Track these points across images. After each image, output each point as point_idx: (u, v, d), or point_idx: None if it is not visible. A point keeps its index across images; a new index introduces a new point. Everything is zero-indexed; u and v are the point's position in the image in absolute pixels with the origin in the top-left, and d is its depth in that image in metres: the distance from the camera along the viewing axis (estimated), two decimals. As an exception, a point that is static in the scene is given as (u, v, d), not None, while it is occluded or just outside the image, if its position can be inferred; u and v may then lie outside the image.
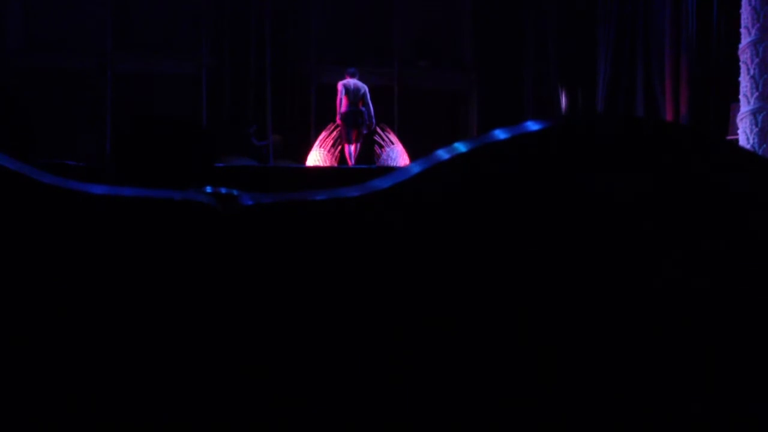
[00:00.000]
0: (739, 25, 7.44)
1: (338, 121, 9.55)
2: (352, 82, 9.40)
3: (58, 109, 10.85)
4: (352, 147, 9.38)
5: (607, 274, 0.86)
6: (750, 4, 7.15)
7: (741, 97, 7.34)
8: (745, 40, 7.25)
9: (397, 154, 10.34)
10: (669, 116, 10.34)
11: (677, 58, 10.36)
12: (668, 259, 0.87)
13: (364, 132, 9.48)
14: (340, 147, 9.64)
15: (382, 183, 0.86)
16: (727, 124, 9.04)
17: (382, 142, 10.51)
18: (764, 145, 7.04)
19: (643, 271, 0.86)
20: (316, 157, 10.15)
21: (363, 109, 9.34)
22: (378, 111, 10.06)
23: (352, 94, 9.34)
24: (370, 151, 10.44)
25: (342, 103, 9.37)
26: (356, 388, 0.84)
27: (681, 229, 0.87)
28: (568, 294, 0.85)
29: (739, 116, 7.39)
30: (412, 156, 9.96)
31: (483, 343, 0.85)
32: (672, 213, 0.87)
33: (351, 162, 9.31)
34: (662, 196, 0.87)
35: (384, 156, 10.44)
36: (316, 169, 9.33)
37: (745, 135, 7.22)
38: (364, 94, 9.35)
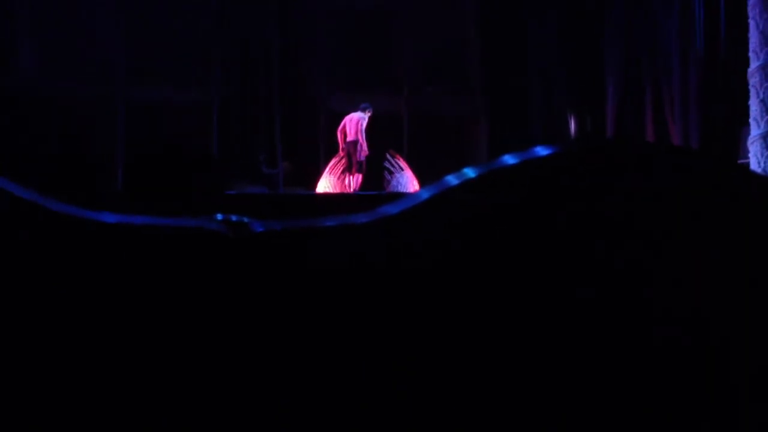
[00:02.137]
0: (747, 49, 7.45)
1: (341, 152, 9.90)
2: (352, 115, 9.77)
3: (70, 138, 10.93)
4: (352, 178, 9.75)
5: (615, 297, 0.86)
6: (758, 29, 7.16)
7: (751, 120, 7.34)
8: (753, 64, 7.25)
9: (407, 180, 10.36)
10: (679, 140, 10.32)
11: (686, 81, 10.38)
12: (682, 285, 0.86)
13: (359, 159, 9.80)
14: (349, 174, 10.00)
15: (392, 209, 0.87)
16: (738, 147, 9.02)
17: (391, 168, 10.54)
18: (775, 169, 7.02)
19: (655, 295, 0.86)
20: (326, 184, 10.18)
21: (357, 138, 9.74)
22: (387, 137, 10.22)
23: (348, 125, 9.86)
24: (379, 177, 10.49)
25: (340, 135, 9.93)
26: (362, 411, 0.84)
27: (696, 254, 0.87)
28: (578, 319, 0.85)
29: (750, 140, 7.38)
30: (422, 181, 9.99)
31: (491, 371, 0.85)
32: (685, 239, 0.87)
33: (347, 189, 9.71)
34: (675, 221, 0.87)
35: (393, 182, 10.46)
36: (325, 196, 9.40)
37: (756, 158, 7.21)
38: (358, 124, 9.76)
